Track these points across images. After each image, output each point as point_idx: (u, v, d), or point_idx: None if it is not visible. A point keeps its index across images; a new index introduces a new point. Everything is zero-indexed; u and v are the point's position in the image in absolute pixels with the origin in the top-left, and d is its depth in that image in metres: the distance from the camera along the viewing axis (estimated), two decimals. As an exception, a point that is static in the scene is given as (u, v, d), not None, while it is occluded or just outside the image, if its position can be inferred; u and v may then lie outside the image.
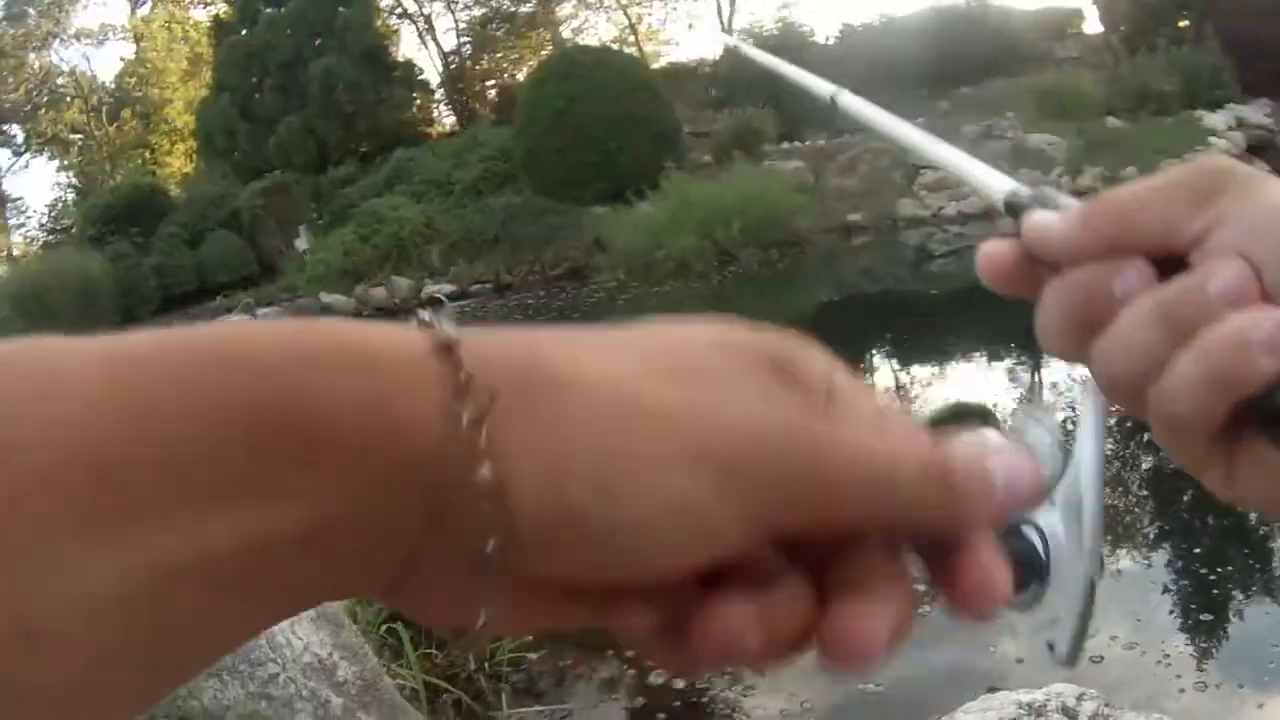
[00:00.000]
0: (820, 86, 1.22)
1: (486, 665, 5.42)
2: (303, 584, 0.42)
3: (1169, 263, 0.56)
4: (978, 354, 12.47)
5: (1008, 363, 11.71)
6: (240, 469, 0.38)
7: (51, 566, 0.35)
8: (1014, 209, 0.63)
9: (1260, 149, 23.19)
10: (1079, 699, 3.42)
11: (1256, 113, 24.71)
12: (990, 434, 0.47)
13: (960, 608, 0.46)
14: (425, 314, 0.44)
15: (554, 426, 0.41)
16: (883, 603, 0.44)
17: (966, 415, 0.56)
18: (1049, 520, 0.62)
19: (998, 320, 14.25)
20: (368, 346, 0.41)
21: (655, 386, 0.43)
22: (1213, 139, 23.11)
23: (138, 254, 27.17)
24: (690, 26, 52.30)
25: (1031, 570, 0.61)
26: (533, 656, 5.67)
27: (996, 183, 0.68)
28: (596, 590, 0.44)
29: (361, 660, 4.43)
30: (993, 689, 3.68)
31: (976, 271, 0.64)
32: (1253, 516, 6.32)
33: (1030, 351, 11.84)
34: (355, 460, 0.39)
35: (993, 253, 0.63)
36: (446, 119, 38.21)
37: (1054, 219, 0.59)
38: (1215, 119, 24.16)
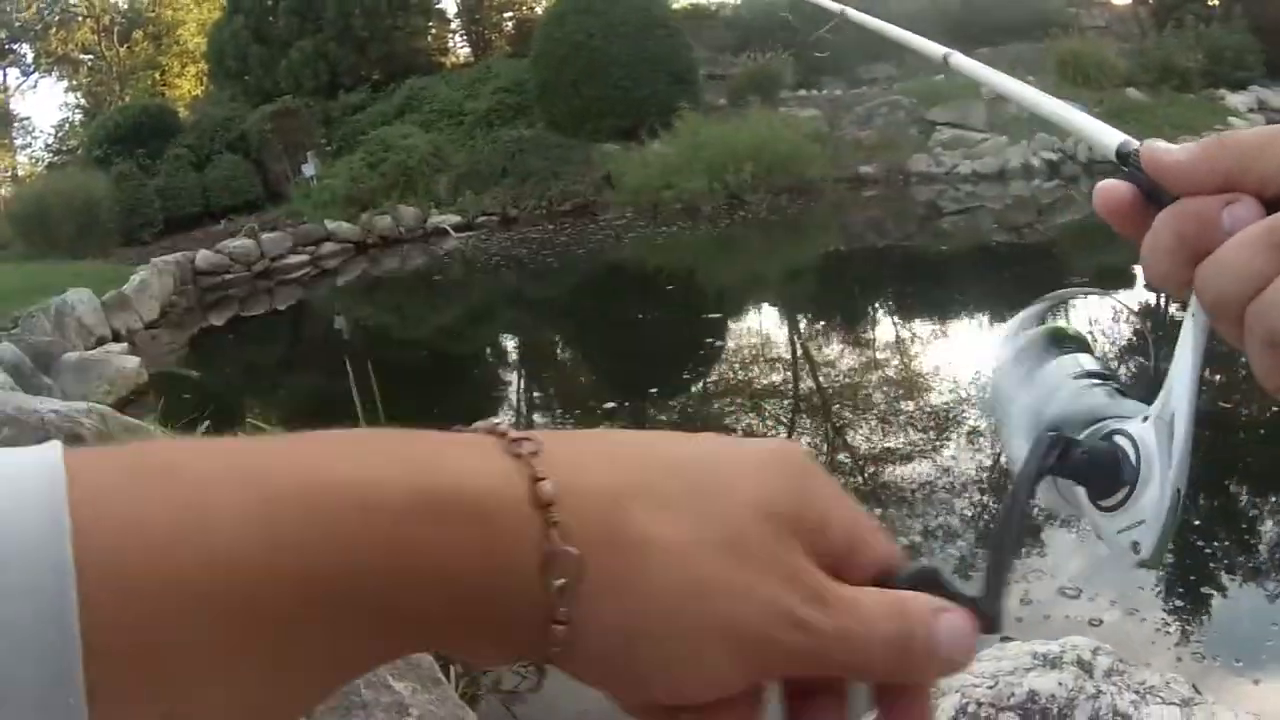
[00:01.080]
0: (932, 49, 1.33)
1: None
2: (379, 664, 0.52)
3: (1277, 206, 0.61)
4: (980, 313, 12.42)
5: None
6: (370, 606, 0.46)
7: (196, 689, 0.43)
8: (1124, 157, 0.69)
9: (1281, 132, 23.19)
10: (1094, 652, 3.37)
11: (1279, 96, 24.69)
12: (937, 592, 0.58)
13: None
14: (525, 443, 0.52)
15: (626, 600, 0.50)
16: None
17: (1064, 340, 0.76)
18: (1141, 431, 0.67)
19: (1003, 281, 14.28)
20: (481, 497, 0.48)
21: (708, 561, 0.51)
22: (1232, 119, 23.22)
23: (143, 175, 26.76)
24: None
25: (1122, 476, 0.67)
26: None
27: (1107, 135, 0.73)
28: None
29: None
30: (1006, 639, 3.57)
31: (1093, 206, 0.70)
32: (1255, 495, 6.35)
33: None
34: (457, 607, 0.48)
35: (1109, 189, 0.68)
36: (461, 50, 37.81)
37: (1177, 149, 0.64)
38: (1237, 99, 24.52)
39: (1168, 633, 4.75)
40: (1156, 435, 0.66)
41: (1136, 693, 3.20)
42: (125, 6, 49.48)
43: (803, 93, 26.85)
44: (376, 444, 0.50)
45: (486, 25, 36.94)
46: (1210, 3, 29.28)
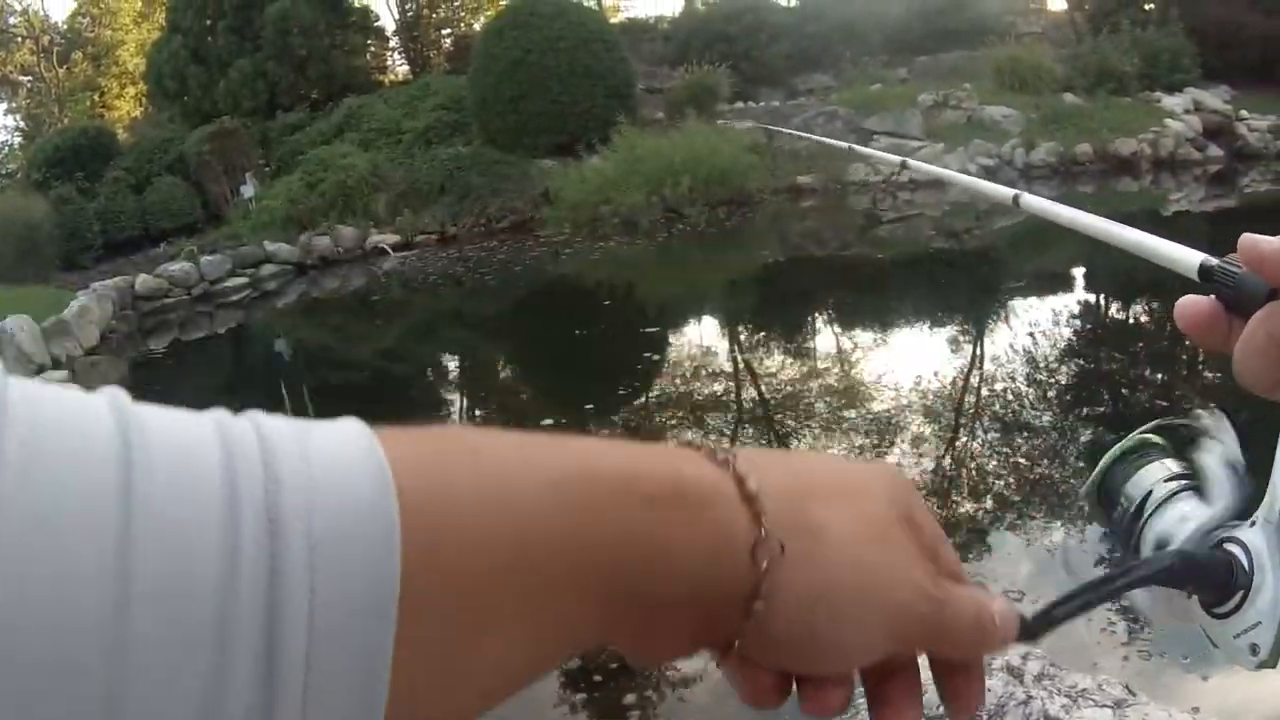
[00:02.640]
0: (1000, 192, 1.46)
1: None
2: (585, 648, 0.58)
3: None
4: (921, 320, 12.46)
5: (950, 329, 11.71)
6: (623, 582, 0.54)
7: (476, 645, 0.50)
8: (1207, 274, 0.72)
9: (1217, 133, 23.67)
10: (1024, 658, 3.45)
11: (1215, 98, 25.20)
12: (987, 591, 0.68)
13: (954, 713, 0.69)
14: (727, 451, 0.61)
15: (813, 573, 0.59)
16: (916, 707, 0.67)
17: (1172, 430, 0.79)
18: (1251, 536, 0.70)
19: (941, 287, 14.34)
20: (708, 492, 0.57)
21: (866, 548, 0.61)
22: (1169, 120, 23.49)
23: (82, 199, 26.51)
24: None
25: (1235, 582, 0.70)
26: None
27: (1188, 256, 0.77)
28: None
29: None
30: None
31: (1176, 320, 0.72)
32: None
33: (973, 319, 11.82)
34: (686, 586, 0.56)
35: (1191, 304, 0.72)
36: (400, 67, 37.85)
37: (1275, 239, 0.66)
38: (1173, 101, 24.76)
39: (1114, 632, 4.76)
40: (1266, 538, 0.70)
41: (1068, 696, 3.20)
42: (65, 27, 49.22)
43: (740, 105, 26.95)
44: (621, 444, 0.58)
45: (425, 42, 36.90)
46: (1146, 7, 29.55)
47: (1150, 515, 0.78)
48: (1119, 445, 0.83)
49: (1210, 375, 9.30)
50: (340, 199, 23.74)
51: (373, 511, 0.45)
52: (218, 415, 0.47)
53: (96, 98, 47.11)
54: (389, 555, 0.45)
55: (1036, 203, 1.29)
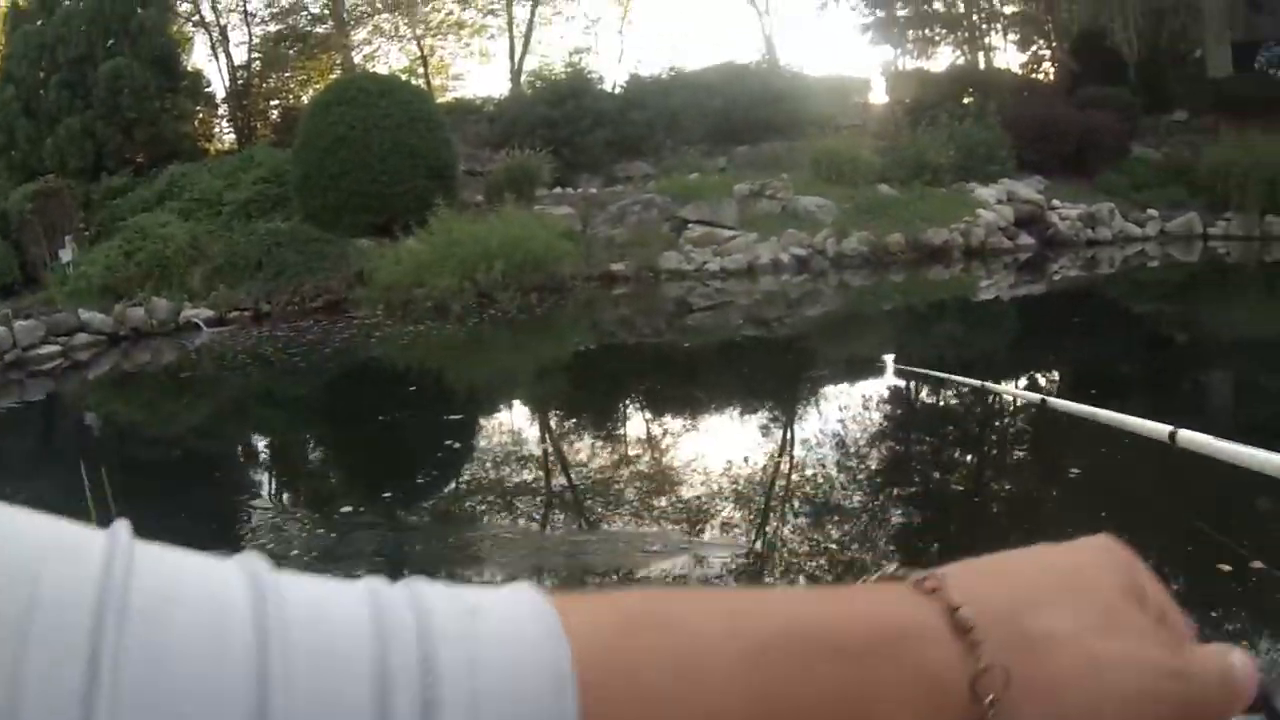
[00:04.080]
0: (1155, 429, 1.51)
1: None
2: None
3: None
4: (730, 407, 12.62)
5: (761, 416, 11.96)
6: None
7: None
8: None
9: (1029, 221, 24.50)
10: None
11: (1029, 188, 26.00)
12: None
13: None
14: (934, 575, 0.58)
15: (1044, 694, 0.54)
16: None
17: None
18: None
19: (750, 374, 14.55)
20: (914, 631, 0.54)
21: (1097, 643, 0.57)
22: (982, 210, 24.18)
23: (-100, 258, 26.03)
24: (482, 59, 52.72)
25: None
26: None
27: None
28: None
29: None
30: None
31: None
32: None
33: (782, 405, 12.09)
34: None
35: None
36: (227, 136, 37.47)
37: None
38: (986, 192, 25.54)
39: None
40: None
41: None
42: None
43: (559, 190, 27.22)
44: (823, 593, 0.58)
45: (253, 112, 36.60)
46: (965, 101, 30.42)
47: None
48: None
49: (1018, 454, 9.68)
50: (157, 269, 23.25)
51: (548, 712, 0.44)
52: (373, 586, 0.47)
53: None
54: None
55: (1196, 439, 1.34)
